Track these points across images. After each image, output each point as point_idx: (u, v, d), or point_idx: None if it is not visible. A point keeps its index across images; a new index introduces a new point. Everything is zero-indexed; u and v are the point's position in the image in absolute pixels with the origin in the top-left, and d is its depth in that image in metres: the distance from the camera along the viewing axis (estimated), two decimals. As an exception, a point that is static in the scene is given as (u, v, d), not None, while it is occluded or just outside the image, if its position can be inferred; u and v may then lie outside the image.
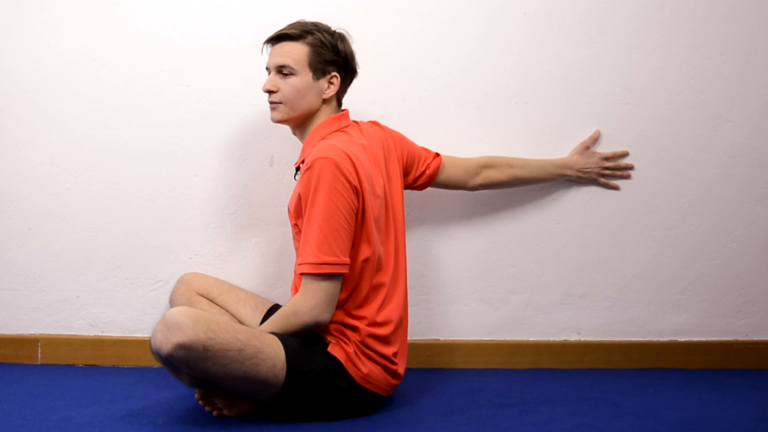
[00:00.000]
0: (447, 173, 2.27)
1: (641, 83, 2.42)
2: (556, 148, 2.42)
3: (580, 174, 2.40)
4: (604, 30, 2.41)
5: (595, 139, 2.41)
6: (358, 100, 2.26)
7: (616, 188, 2.43)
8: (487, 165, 2.33)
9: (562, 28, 2.40)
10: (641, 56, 2.42)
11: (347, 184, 1.89)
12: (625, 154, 2.42)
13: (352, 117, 2.13)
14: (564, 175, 2.40)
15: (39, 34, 2.35)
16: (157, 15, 2.36)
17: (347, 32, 2.08)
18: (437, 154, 2.26)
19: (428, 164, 2.23)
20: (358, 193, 1.92)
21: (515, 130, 2.42)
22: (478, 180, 2.32)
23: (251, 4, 2.37)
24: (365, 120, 2.20)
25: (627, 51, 2.41)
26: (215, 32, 2.37)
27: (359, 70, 2.11)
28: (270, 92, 2.03)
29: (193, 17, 2.37)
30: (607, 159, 2.41)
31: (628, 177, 2.43)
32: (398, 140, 2.18)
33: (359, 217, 1.94)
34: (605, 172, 2.41)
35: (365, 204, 1.94)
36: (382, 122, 2.21)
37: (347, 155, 1.92)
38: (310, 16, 2.10)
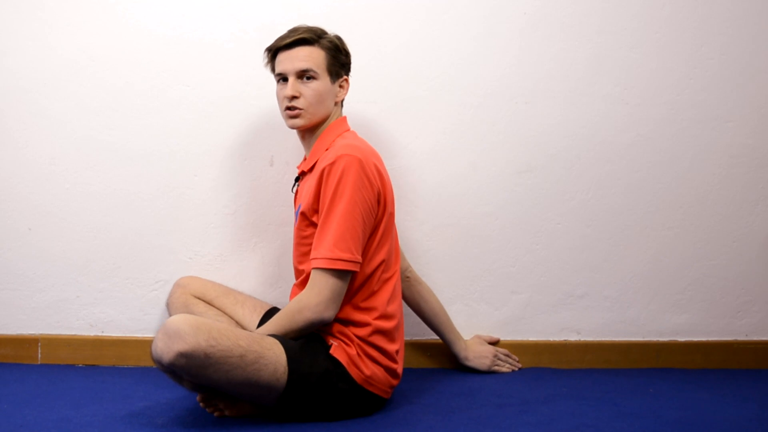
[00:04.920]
0: None
1: (641, 83, 2.42)
2: (556, 148, 2.42)
3: (472, 360, 2.36)
4: (604, 30, 2.41)
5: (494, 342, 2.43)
6: (359, 100, 2.26)
7: (506, 371, 2.39)
8: (409, 263, 2.32)
9: (562, 28, 2.40)
10: (641, 56, 2.42)
11: (368, 185, 1.90)
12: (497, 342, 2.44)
13: (353, 116, 2.13)
14: (455, 349, 2.36)
15: (39, 34, 2.35)
16: (158, 15, 2.36)
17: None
18: None
19: None
20: (379, 196, 1.93)
21: (515, 130, 2.42)
22: (407, 272, 2.30)
23: (251, 4, 2.37)
24: (366, 123, 2.20)
25: (627, 51, 2.41)
26: (215, 32, 2.37)
27: (360, 70, 2.12)
28: (293, 98, 1.99)
29: (193, 17, 2.37)
30: (497, 351, 2.40)
31: (517, 368, 2.41)
32: None
33: (380, 220, 1.95)
34: (498, 361, 2.39)
35: (386, 208, 1.96)
36: (382, 122, 2.21)
37: (370, 158, 1.94)
38: (311, 16, 2.10)
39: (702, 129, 2.45)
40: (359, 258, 1.90)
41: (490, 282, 2.45)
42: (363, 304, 1.95)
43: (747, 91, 2.44)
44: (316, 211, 1.94)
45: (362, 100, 2.31)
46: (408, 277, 2.31)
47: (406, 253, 2.35)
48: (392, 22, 2.38)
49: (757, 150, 2.46)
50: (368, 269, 1.95)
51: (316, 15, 2.14)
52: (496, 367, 2.38)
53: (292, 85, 1.99)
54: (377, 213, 1.95)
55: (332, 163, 1.89)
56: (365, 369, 1.93)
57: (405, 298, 2.31)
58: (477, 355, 2.37)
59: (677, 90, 2.43)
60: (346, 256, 1.87)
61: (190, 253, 2.41)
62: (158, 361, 1.77)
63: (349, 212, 1.87)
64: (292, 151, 2.36)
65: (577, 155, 2.43)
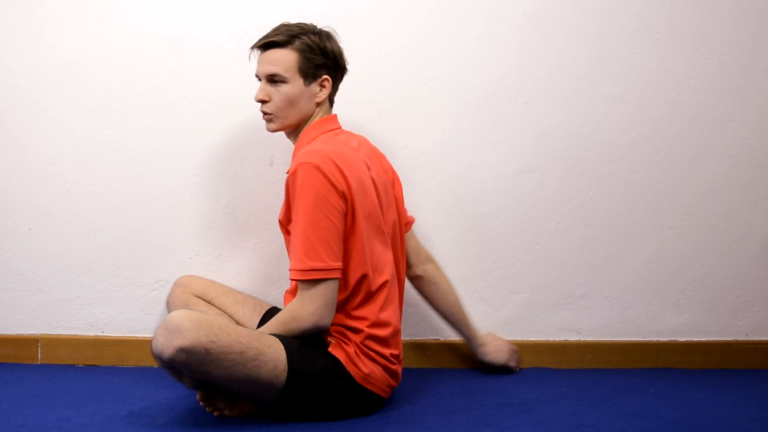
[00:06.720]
0: (408, 243, 2.23)
1: (641, 83, 2.42)
2: (556, 148, 2.42)
3: (492, 353, 2.35)
4: (604, 30, 2.41)
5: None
6: (358, 100, 2.26)
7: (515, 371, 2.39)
8: (431, 260, 2.30)
9: (562, 28, 2.40)
10: (641, 56, 2.42)
11: (331, 188, 1.87)
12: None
13: (353, 116, 2.13)
14: (473, 344, 2.35)
15: (39, 34, 2.35)
16: (158, 15, 2.36)
17: (334, 30, 2.05)
18: (412, 218, 2.25)
19: (405, 221, 2.19)
20: (345, 196, 1.90)
21: (515, 130, 2.42)
22: (419, 270, 2.27)
23: (251, 4, 2.37)
24: (366, 123, 2.19)
25: (627, 51, 2.41)
26: (215, 32, 2.37)
27: (360, 70, 2.11)
28: (262, 102, 2.00)
29: (193, 17, 2.37)
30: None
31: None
32: (395, 174, 2.17)
33: (349, 219, 1.91)
34: (515, 356, 2.39)
35: (355, 206, 1.91)
36: (382, 122, 2.21)
37: (331, 159, 1.89)
38: (311, 16, 2.10)
39: (702, 129, 2.45)
40: (334, 264, 1.87)
41: (490, 282, 2.45)
42: (354, 313, 1.95)
43: (747, 91, 2.44)
44: (290, 220, 1.94)
45: (362, 100, 2.31)
46: (421, 277, 2.28)
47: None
48: (392, 22, 2.38)
49: (757, 150, 2.46)
50: (350, 282, 1.93)
51: (316, 15, 2.14)
52: (512, 363, 2.37)
53: (262, 89, 2.00)
54: (345, 212, 1.91)
55: (293, 173, 1.88)
56: (363, 367, 1.93)
57: (421, 295, 2.31)
58: (496, 349, 2.36)
59: (677, 90, 2.43)
60: (318, 265, 1.86)
61: (190, 253, 2.41)
62: (158, 357, 1.77)
63: (315, 221, 1.85)
64: (292, 151, 2.36)
65: (577, 155, 2.43)
